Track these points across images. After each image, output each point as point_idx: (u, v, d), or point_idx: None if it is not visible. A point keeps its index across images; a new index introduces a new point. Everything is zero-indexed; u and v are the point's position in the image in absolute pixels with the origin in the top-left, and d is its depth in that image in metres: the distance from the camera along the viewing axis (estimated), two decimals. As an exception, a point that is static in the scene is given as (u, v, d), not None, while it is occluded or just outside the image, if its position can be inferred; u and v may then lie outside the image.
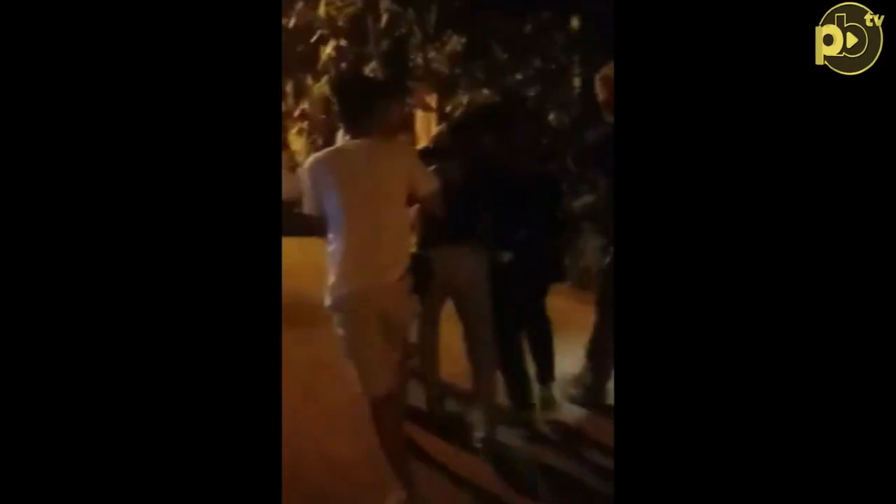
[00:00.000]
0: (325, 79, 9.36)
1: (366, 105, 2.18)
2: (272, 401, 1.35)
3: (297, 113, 11.22)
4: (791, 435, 1.27)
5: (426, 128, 8.19)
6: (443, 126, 2.84)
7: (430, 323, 2.69)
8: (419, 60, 9.18)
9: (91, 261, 1.22)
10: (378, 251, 2.10)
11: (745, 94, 1.29)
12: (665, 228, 1.32)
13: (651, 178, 1.33)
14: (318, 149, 3.38)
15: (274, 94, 1.52)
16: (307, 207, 2.19)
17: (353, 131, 2.18)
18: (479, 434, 2.56)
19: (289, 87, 12.33)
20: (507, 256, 2.62)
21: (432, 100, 6.53)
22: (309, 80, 11.01)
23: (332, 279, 2.14)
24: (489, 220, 2.62)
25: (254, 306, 1.31)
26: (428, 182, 2.23)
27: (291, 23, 9.46)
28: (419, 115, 8.63)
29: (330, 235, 2.16)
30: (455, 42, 8.85)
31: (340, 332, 2.13)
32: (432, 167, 2.37)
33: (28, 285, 1.19)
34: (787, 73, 1.27)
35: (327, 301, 2.14)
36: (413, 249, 2.36)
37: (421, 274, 2.28)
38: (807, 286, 1.27)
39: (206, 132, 1.29)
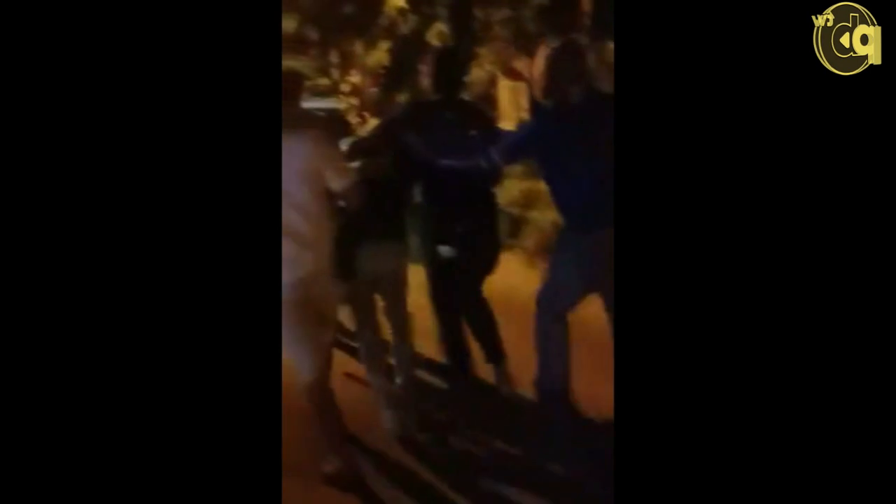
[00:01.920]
0: (384, 45, 7.85)
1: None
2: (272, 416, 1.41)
3: (346, 89, 9.75)
4: (793, 441, 1.29)
5: (514, 99, 6.68)
6: (380, 122, 2.90)
7: (363, 313, 2.74)
8: (496, 17, 7.66)
9: (83, 259, 1.23)
10: (300, 245, 2.25)
11: (753, 93, 1.32)
12: (665, 229, 1.35)
13: (652, 175, 1.35)
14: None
15: (274, 93, 1.52)
16: None
17: None
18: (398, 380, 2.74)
19: (334, 57, 10.92)
20: (447, 251, 2.70)
21: (523, 65, 5.10)
22: (358, 48, 9.52)
23: None
24: (427, 215, 2.74)
25: (253, 307, 1.34)
26: (341, 176, 2.35)
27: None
28: (504, 84, 7.13)
29: None
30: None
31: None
32: (357, 162, 2.52)
33: (25, 286, 1.21)
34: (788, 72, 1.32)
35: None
36: (335, 239, 2.45)
37: (344, 262, 2.48)
38: (807, 287, 1.30)
39: (204, 126, 1.30)
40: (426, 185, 2.74)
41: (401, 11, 7.36)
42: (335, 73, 10.68)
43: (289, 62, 12.56)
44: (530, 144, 2.44)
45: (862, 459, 1.28)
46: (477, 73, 7.36)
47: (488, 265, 2.89)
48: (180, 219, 1.29)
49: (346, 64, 10.43)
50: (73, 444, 1.25)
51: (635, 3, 1.37)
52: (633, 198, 1.39)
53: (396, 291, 2.78)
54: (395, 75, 8.64)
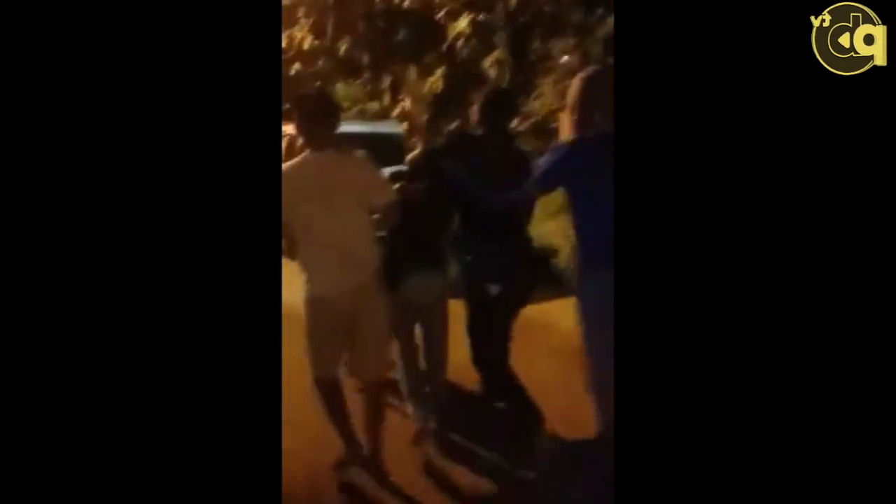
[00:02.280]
0: (439, 71, 7.60)
1: (328, 121, 2.35)
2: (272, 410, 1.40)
3: (395, 112, 9.52)
4: (795, 461, 1.30)
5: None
6: (422, 149, 2.84)
7: (405, 342, 2.75)
8: (559, 46, 7.33)
9: (86, 263, 1.26)
10: (343, 257, 2.31)
11: (740, 98, 1.32)
12: (666, 238, 1.36)
13: (652, 185, 1.36)
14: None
15: (274, 104, 1.46)
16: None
17: (315, 145, 2.33)
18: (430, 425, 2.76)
19: (385, 83, 10.74)
20: (495, 289, 2.62)
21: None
22: (413, 74, 9.29)
23: (305, 282, 2.34)
24: (464, 248, 2.73)
25: (253, 319, 1.36)
26: (385, 193, 2.40)
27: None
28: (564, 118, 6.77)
29: (301, 242, 2.34)
30: (611, 25, 6.98)
31: (305, 320, 2.37)
32: (398, 184, 2.54)
33: (26, 287, 1.23)
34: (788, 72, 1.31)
35: (303, 300, 2.36)
36: (379, 257, 2.49)
37: (389, 278, 2.49)
38: (810, 296, 1.30)
39: (205, 138, 1.32)
40: (463, 217, 2.72)
41: (463, 37, 7.07)
42: (386, 98, 10.50)
43: (338, 87, 12.30)
44: (558, 172, 2.36)
45: (862, 464, 1.28)
46: (536, 104, 7.02)
47: (520, 301, 2.79)
48: (181, 233, 1.30)
49: (398, 89, 10.24)
50: (65, 458, 1.25)
51: (634, 4, 1.39)
52: (634, 203, 1.40)
53: (437, 323, 2.74)
54: (447, 102, 8.41)
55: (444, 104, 8.52)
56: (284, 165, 2.29)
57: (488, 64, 7.85)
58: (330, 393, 2.43)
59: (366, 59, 10.70)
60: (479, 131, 2.68)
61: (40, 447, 1.22)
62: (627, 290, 1.40)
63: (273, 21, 1.45)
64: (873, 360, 1.26)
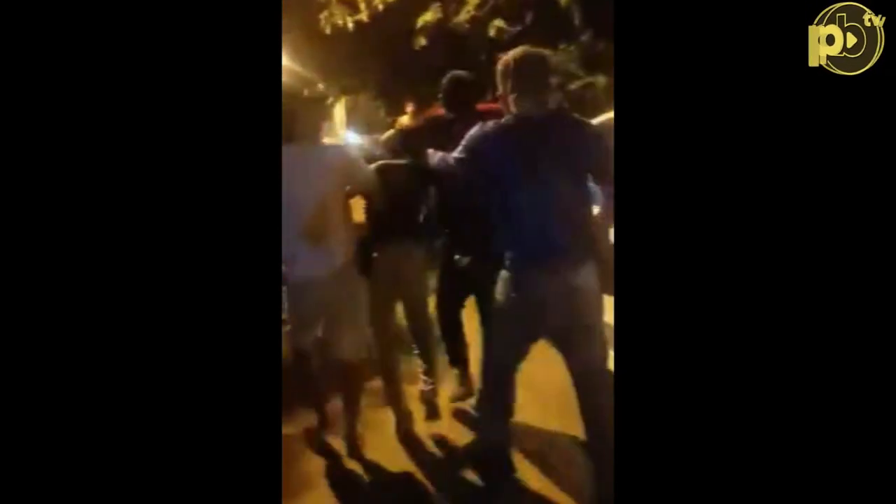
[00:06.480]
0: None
1: (313, 120, 2.59)
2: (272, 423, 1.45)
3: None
4: (799, 460, 1.32)
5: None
6: (395, 130, 2.92)
7: (382, 324, 2.87)
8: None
9: (86, 265, 1.28)
10: (324, 241, 2.44)
11: (740, 98, 1.35)
12: (664, 239, 1.38)
13: (650, 187, 1.40)
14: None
15: (274, 95, 1.50)
16: None
17: (298, 140, 2.50)
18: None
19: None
20: (464, 261, 2.82)
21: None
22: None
23: (286, 266, 2.52)
24: (440, 225, 2.92)
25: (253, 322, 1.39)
26: (366, 178, 2.57)
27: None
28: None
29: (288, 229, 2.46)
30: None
31: (286, 301, 2.56)
32: (377, 163, 2.68)
33: (25, 286, 1.26)
34: (782, 74, 1.33)
35: (286, 284, 2.56)
36: (359, 238, 2.67)
37: (363, 259, 2.64)
38: (812, 297, 1.32)
39: (203, 133, 1.36)
40: (440, 194, 2.86)
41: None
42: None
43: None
44: (468, 154, 2.24)
45: (861, 463, 1.27)
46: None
47: (489, 273, 2.66)
48: (180, 229, 1.30)
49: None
50: (60, 465, 1.25)
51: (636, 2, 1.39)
52: (633, 203, 1.40)
53: (418, 297, 2.88)
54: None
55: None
56: None
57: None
58: (301, 364, 2.72)
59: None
60: (449, 115, 2.83)
61: (35, 451, 1.22)
62: (627, 299, 1.39)
63: (273, 20, 1.44)
64: (872, 364, 1.25)
